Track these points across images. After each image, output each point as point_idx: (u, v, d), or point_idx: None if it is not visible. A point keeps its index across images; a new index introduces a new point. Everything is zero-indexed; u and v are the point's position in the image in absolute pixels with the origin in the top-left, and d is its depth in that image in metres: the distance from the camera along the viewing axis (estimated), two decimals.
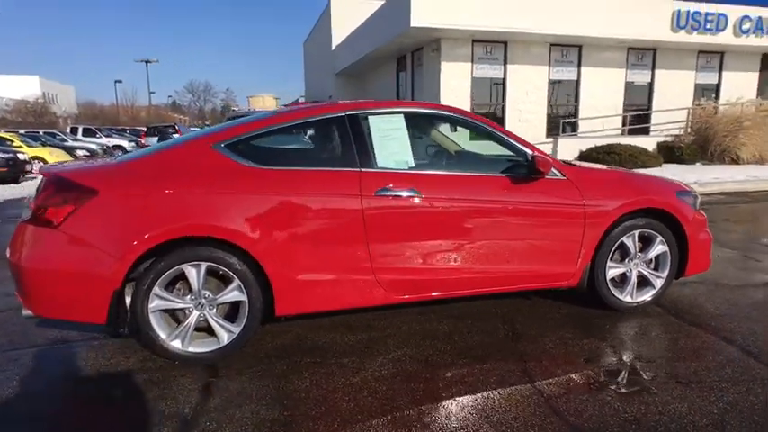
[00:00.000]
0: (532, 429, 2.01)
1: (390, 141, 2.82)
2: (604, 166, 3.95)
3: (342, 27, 18.89)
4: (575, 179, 3.00)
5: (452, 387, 2.34)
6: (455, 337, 2.88)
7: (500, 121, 13.02)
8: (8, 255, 2.54)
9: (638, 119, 14.05)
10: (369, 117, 2.83)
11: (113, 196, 2.42)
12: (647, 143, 12.44)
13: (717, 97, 14.30)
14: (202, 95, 74.44)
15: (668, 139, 13.04)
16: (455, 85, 12.39)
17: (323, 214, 2.62)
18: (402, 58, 15.25)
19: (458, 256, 2.84)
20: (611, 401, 2.19)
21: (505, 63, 12.79)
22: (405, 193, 2.70)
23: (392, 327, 3.03)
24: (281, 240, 2.56)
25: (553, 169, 2.94)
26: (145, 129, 19.71)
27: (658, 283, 3.23)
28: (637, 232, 3.12)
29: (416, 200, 2.72)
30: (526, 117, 12.97)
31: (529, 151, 2.97)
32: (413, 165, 2.82)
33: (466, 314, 3.20)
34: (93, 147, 19.21)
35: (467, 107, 12.81)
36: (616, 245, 3.09)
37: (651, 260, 3.22)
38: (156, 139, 18.44)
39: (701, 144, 12.33)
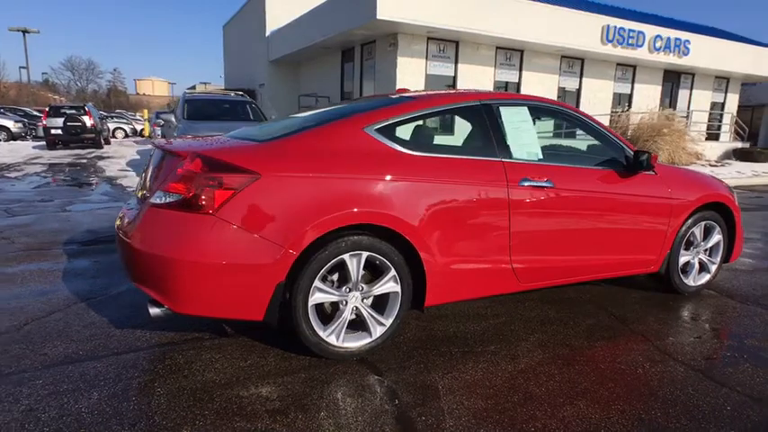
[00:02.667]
0: (704, 399, 2.21)
1: (521, 133, 2.88)
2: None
3: (278, 13, 18.19)
4: (662, 174, 3.28)
5: (612, 366, 2.47)
6: (570, 322, 3.02)
7: (451, 119, 13.46)
8: (135, 243, 2.21)
9: None
10: (500, 108, 2.86)
11: (277, 179, 2.21)
12: (580, 145, 13.60)
13: (629, 106, 16.05)
14: (84, 74, 66.03)
15: None
16: (410, 80, 12.57)
17: (474, 203, 2.61)
18: (349, 50, 15.10)
19: (576, 244, 2.98)
20: (746, 368, 2.47)
21: (456, 62, 13.24)
22: (543, 184, 2.78)
23: (505, 314, 3.10)
24: (436, 229, 2.51)
25: None
26: (47, 108, 17.36)
27: (713, 268, 3.65)
28: (703, 223, 3.50)
29: (551, 191, 2.81)
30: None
31: (627, 147, 3.20)
32: (541, 157, 2.90)
33: (559, 301, 3.37)
34: None
35: None
36: (688, 234, 3.44)
37: (708, 248, 3.62)
38: (62, 120, 16.33)
39: None
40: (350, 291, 2.41)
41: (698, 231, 3.50)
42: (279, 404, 2.06)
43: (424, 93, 2.93)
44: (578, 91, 15.33)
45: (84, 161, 12.71)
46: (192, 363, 2.39)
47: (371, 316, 2.47)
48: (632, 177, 3.14)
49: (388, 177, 2.41)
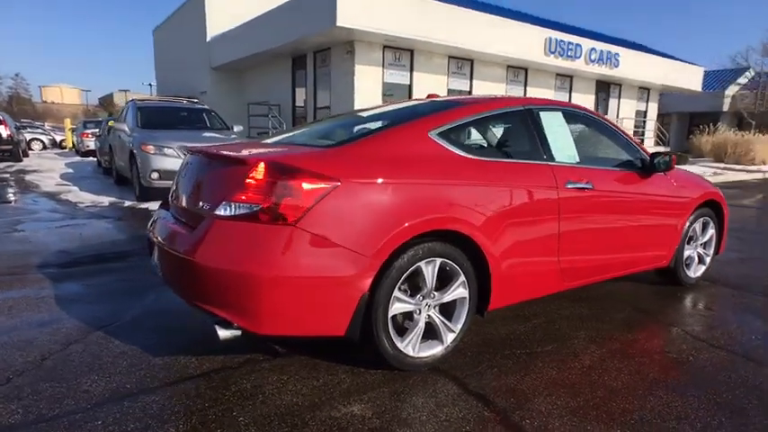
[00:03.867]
0: (758, 379, 2.38)
1: (560, 137, 2.97)
2: None
3: (219, 18, 17.59)
4: (671, 175, 3.51)
5: (665, 356, 2.60)
6: (605, 318, 3.14)
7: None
8: (200, 259, 2.04)
9: None
10: (540, 112, 2.93)
11: (356, 186, 2.12)
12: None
13: None
14: None
15: None
16: (368, 88, 12.60)
17: (531, 206, 2.65)
18: (301, 57, 14.87)
19: (609, 242, 3.11)
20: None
21: (412, 70, 13.44)
22: (584, 186, 2.88)
23: (543, 314, 3.17)
24: (500, 233, 2.52)
25: None
26: None
27: (707, 261, 3.95)
28: (702, 219, 3.78)
29: (590, 192, 2.92)
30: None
31: (641, 150, 3.39)
32: (578, 160, 3.01)
33: (584, 299, 3.49)
34: None
35: None
36: (690, 230, 3.70)
37: (704, 242, 3.91)
38: None
39: None
40: (423, 299, 2.36)
41: (698, 227, 3.77)
42: (378, 422, 1.97)
43: (470, 98, 2.94)
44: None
45: (7, 175, 11.54)
46: (260, 387, 2.22)
47: (443, 323, 2.43)
48: (650, 178, 3.33)
49: (457, 182, 2.39)
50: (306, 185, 2.05)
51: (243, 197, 2.06)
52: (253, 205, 2.04)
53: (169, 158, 7.30)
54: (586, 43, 15.34)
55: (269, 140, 2.79)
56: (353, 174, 2.13)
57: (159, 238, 2.39)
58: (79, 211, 6.86)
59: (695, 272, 3.87)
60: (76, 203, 7.61)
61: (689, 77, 19.72)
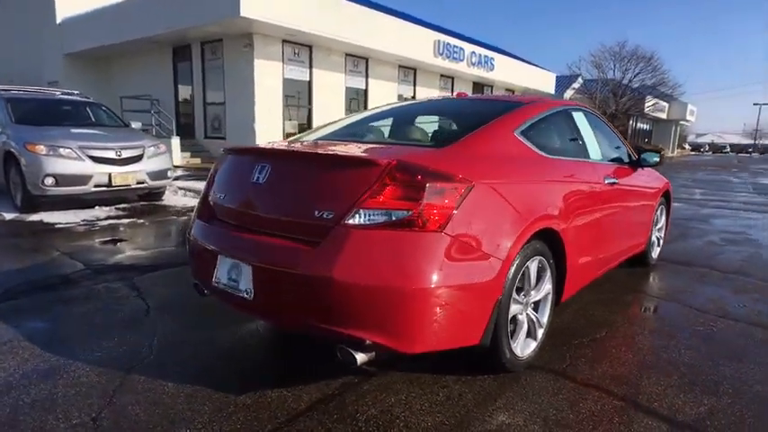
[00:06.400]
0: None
1: (588, 135, 3.18)
2: None
3: None
4: (643, 169, 3.98)
5: (698, 329, 2.96)
6: (619, 300, 3.46)
7: (308, 124, 13.28)
8: (338, 275, 1.79)
9: None
10: (573, 113, 3.11)
11: (485, 188, 2.05)
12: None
13: None
14: None
15: None
16: (269, 84, 11.99)
17: (588, 200, 2.80)
18: (183, 47, 13.56)
19: (623, 231, 3.44)
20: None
21: (311, 67, 13.11)
22: (614, 180, 3.14)
23: (571, 303, 3.36)
24: (572, 227, 2.63)
25: None
26: None
27: (661, 243, 4.57)
28: (661, 207, 4.36)
29: (616, 186, 3.18)
30: (329, 121, 13.59)
31: (627, 146, 3.80)
32: (601, 156, 3.25)
33: (589, 287, 3.79)
34: None
35: (279, 107, 12.58)
36: (655, 217, 4.24)
37: (660, 227, 4.52)
38: None
39: None
40: (524, 297, 2.36)
41: (659, 213, 4.34)
42: (538, 427, 1.93)
43: (525, 97, 2.97)
44: (413, 98, 16.72)
45: None
46: (388, 411, 2.02)
47: (537, 320, 2.46)
48: (637, 171, 3.74)
49: (545, 180, 2.44)
50: (449, 188, 1.91)
51: (381, 203, 1.85)
52: (394, 211, 1.84)
53: (68, 161, 6.15)
54: (468, 47, 16.52)
55: (321, 138, 2.51)
56: (480, 175, 2.04)
57: (252, 258, 2.02)
58: None
59: (655, 253, 4.45)
60: None
61: (545, 81, 22.41)
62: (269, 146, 2.38)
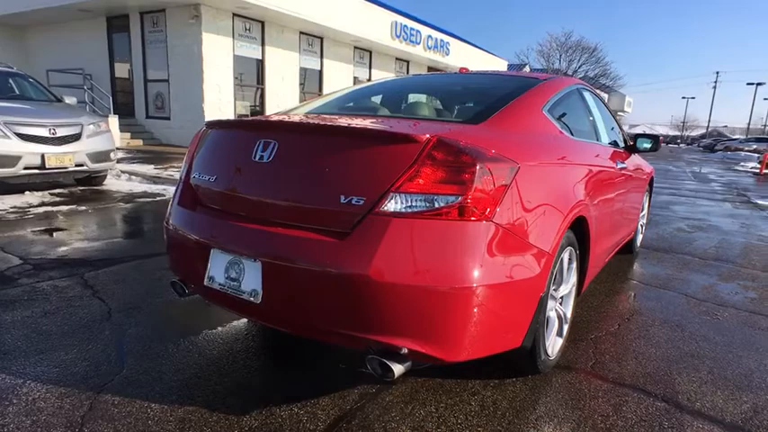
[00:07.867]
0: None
1: (597, 117, 3.01)
2: None
3: None
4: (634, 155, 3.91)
5: (702, 317, 2.90)
6: (619, 290, 3.37)
7: (261, 105, 12.59)
8: (376, 275, 1.50)
9: None
10: (583, 92, 2.92)
11: (530, 170, 1.80)
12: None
13: None
14: None
15: None
16: (219, 60, 11.19)
17: (606, 185, 2.64)
18: (120, 17, 12.38)
19: (625, 218, 3.32)
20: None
21: (263, 44, 12.39)
22: (624, 165, 3.00)
23: None
24: (595, 214, 2.45)
25: None
26: None
27: (644, 230, 4.56)
28: (647, 193, 4.33)
29: (624, 171, 3.05)
30: (283, 102, 12.99)
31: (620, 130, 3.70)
32: (609, 141, 3.10)
33: None
34: None
35: (230, 86, 11.81)
36: (644, 203, 4.20)
37: (643, 214, 4.50)
38: None
39: None
40: (556, 292, 2.15)
41: (645, 200, 4.31)
42: None
43: (539, 74, 2.73)
44: (369, 80, 16.31)
45: None
46: (421, 426, 1.76)
47: (564, 315, 2.27)
48: (632, 156, 3.65)
49: (574, 163, 2.23)
50: (499, 169, 1.64)
51: (421, 186, 1.55)
52: (439, 196, 1.55)
53: None
54: (425, 30, 16.29)
55: (320, 110, 2.17)
56: (522, 155, 1.79)
57: (260, 254, 1.66)
58: None
59: (639, 240, 4.43)
60: None
61: (498, 68, 22.61)
62: (276, 118, 2.01)
